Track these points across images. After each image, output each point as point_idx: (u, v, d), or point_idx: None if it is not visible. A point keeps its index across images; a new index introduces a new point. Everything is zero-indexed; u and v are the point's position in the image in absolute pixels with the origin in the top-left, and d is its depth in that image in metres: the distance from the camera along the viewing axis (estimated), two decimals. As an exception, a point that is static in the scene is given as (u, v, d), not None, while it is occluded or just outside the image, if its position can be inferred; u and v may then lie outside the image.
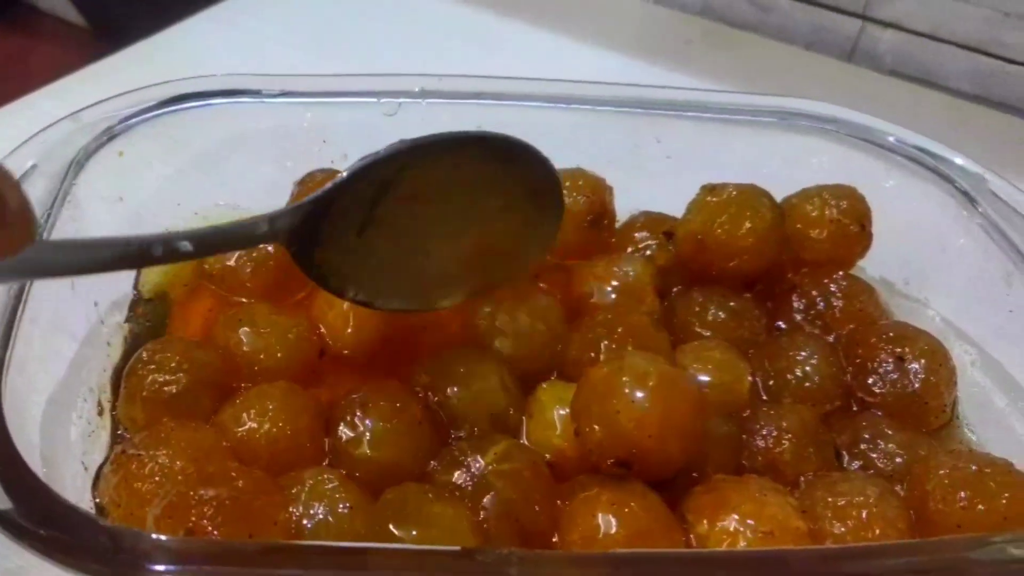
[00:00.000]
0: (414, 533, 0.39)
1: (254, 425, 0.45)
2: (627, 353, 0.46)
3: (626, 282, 0.56)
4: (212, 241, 0.41)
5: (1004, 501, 0.43)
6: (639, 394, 0.43)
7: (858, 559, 0.39)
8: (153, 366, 0.48)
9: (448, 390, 0.48)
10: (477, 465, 0.44)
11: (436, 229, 0.48)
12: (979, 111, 0.92)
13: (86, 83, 0.84)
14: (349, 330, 0.53)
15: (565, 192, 0.57)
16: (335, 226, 0.45)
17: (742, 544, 0.41)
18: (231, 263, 0.56)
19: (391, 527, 0.39)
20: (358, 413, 0.46)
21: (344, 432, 0.46)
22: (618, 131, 0.64)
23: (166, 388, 0.47)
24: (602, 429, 0.43)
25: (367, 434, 0.45)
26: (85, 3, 1.44)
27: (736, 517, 0.41)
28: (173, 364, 0.48)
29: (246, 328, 0.51)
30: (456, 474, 0.44)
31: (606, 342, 0.51)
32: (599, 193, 0.59)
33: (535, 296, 0.54)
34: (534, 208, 0.50)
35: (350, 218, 0.45)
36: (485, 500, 0.42)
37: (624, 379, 0.43)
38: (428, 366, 0.50)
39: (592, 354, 0.51)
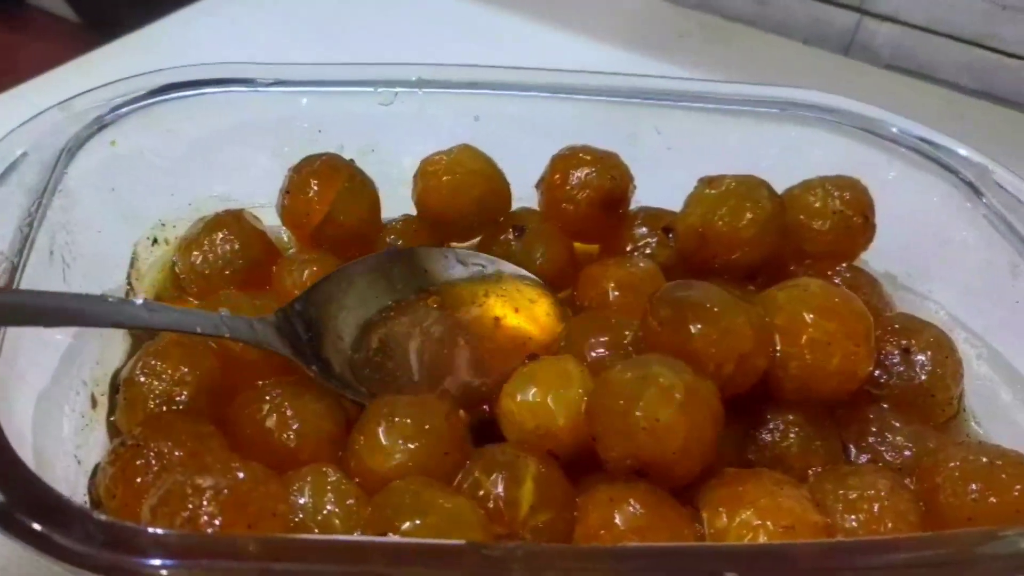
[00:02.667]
0: (417, 522, 0.38)
1: (270, 424, 0.45)
2: (652, 360, 0.44)
3: (642, 279, 0.55)
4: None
5: (1016, 493, 0.43)
6: (666, 410, 0.41)
7: (867, 553, 0.39)
8: (154, 375, 0.46)
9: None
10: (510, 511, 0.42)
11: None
12: (977, 104, 0.91)
13: (77, 74, 0.83)
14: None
15: (594, 168, 0.58)
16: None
17: (762, 538, 0.40)
18: (204, 270, 0.55)
19: (394, 517, 0.39)
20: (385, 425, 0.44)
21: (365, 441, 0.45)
22: (618, 121, 0.63)
23: (174, 399, 0.46)
24: (623, 440, 0.42)
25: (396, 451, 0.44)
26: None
27: (754, 511, 0.41)
28: (176, 374, 0.46)
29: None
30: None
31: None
32: (624, 181, 0.59)
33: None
34: None
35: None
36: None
37: (650, 391, 0.42)
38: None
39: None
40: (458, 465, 0.44)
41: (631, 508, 0.41)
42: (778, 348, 0.47)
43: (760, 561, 0.37)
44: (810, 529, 0.41)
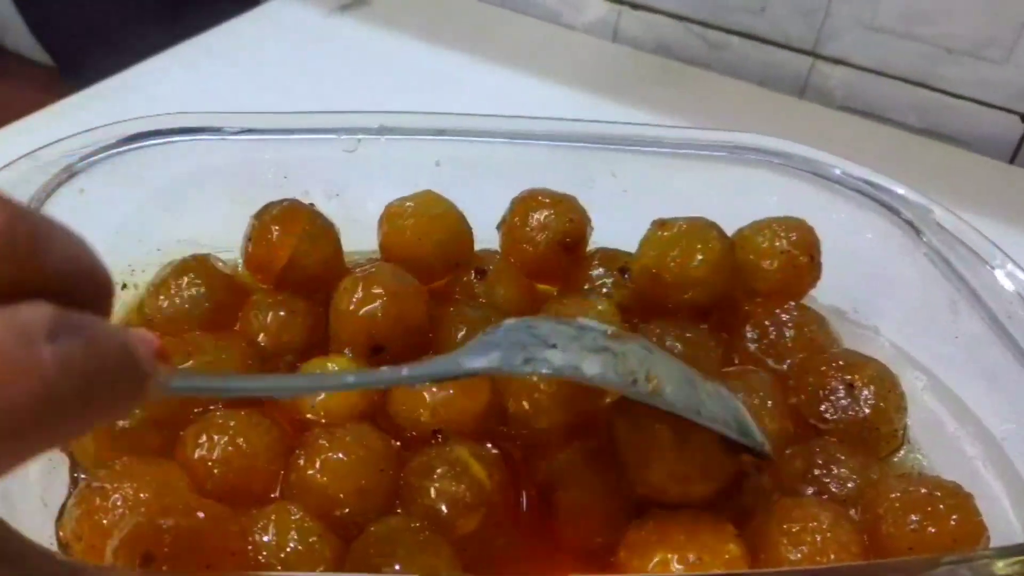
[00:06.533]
0: (397, 568, 0.40)
1: (212, 448, 0.46)
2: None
3: (600, 319, 0.56)
4: None
5: (953, 523, 0.45)
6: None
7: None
8: None
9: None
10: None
11: None
12: (924, 143, 0.95)
13: (47, 122, 0.84)
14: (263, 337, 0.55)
15: (552, 210, 0.60)
16: None
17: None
18: (171, 313, 0.56)
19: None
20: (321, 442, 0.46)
21: (303, 459, 0.46)
22: (575, 166, 0.65)
23: (117, 422, 0.47)
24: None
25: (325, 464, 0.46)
26: (52, 42, 1.43)
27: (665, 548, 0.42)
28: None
29: (196, 357, 0.52)
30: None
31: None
32: (581, 223, 0.61)
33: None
34: None
35: None
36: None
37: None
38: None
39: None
40: (393, 482, 0.47)
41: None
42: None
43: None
44: (720, 558, 0.42)
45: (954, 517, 0.45)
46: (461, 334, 0.55)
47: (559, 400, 0.51)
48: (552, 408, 0.51)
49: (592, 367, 0.39)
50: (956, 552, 0.43)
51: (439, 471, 0.46)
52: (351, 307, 0.53)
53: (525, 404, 0.51)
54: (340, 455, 0.46)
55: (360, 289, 0.53)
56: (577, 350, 0.39)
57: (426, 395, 0.50)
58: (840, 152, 0.64)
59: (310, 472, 0.45)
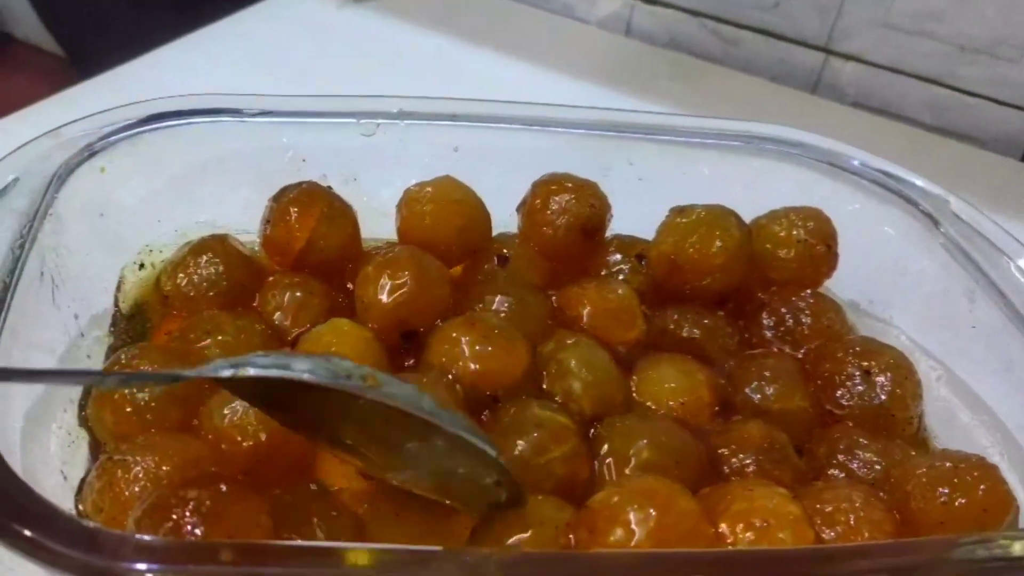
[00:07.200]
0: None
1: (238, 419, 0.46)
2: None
3: (618, 306, 0.56)
4: None
5: (981, 493, 0.45)
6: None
7: (832, 561, 0.40)
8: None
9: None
10: None
11: None
12: (938, 141, 0.95)
13: (60, 107, 0.84)
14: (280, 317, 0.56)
15: (574, 195, 0.60)
16: None
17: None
18: (189, 291, 0.56)
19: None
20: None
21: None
22: (592, 154, 0.65)
23: (138, 394, 0.47)
24: None
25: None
26: (62, 32, 1.44)
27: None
28: (147, 371, 0.48)
29: (215, 336, 0.52)
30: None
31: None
32: (602, 209, 0.61)
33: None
34: None
35: None
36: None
37: None
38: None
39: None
40: None
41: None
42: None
43: (736, 567, 0.39)
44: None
45: (982, 487, 0.45)
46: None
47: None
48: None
49: (301, 364, 0.39)
50: (985, 525, 0.44)
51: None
52: (378, 296, 0.53)
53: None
54: None
55: (386, 276, 0.53)
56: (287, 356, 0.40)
57: (465, 348, 0.50)
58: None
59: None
